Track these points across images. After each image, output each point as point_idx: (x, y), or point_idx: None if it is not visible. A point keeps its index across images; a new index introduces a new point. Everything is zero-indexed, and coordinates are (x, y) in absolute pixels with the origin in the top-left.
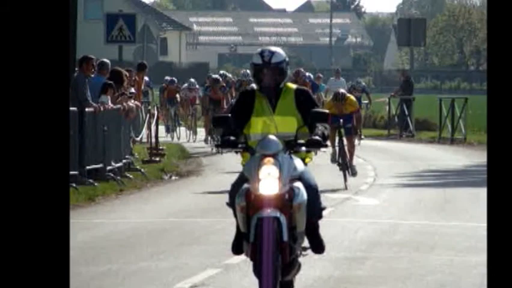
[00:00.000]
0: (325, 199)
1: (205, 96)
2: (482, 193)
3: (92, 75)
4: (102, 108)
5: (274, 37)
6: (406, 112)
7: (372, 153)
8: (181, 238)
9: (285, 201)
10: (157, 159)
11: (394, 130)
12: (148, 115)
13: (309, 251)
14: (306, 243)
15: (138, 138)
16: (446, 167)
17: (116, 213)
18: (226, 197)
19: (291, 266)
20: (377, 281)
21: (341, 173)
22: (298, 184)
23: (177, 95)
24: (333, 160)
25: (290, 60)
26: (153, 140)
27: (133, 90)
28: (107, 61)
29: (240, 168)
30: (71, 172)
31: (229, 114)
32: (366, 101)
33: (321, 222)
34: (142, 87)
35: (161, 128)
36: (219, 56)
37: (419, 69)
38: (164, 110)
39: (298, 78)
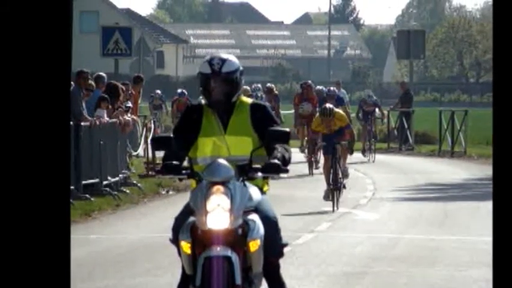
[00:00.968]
0: (324, 214)
1: None
2: (482, 207)
3: (93, 90)
4: (98, 122)
5: (271, 50)
6: (406, 125)
7: (371, 166)
8: None
9: (238, 237)
10: (154, 173)
11: (394, 143)
12: (144, 129)
13: None
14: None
15: (135, 153)
16: (446, 181)
17: (113, 228)
18: None
19: None
20: None
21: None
22: (254, 217)
23: None
24: (327, 198)
25: (288, 73)
26: (149, 154)
27: (129, 103)
28: (103, 74)
29: None
30: None
31: (172, 135)
32: (379, 116)
33: (315, 239)
34: (154, 101)
35: None
36: None
37: (418, 81)
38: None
39: (307, 91)
